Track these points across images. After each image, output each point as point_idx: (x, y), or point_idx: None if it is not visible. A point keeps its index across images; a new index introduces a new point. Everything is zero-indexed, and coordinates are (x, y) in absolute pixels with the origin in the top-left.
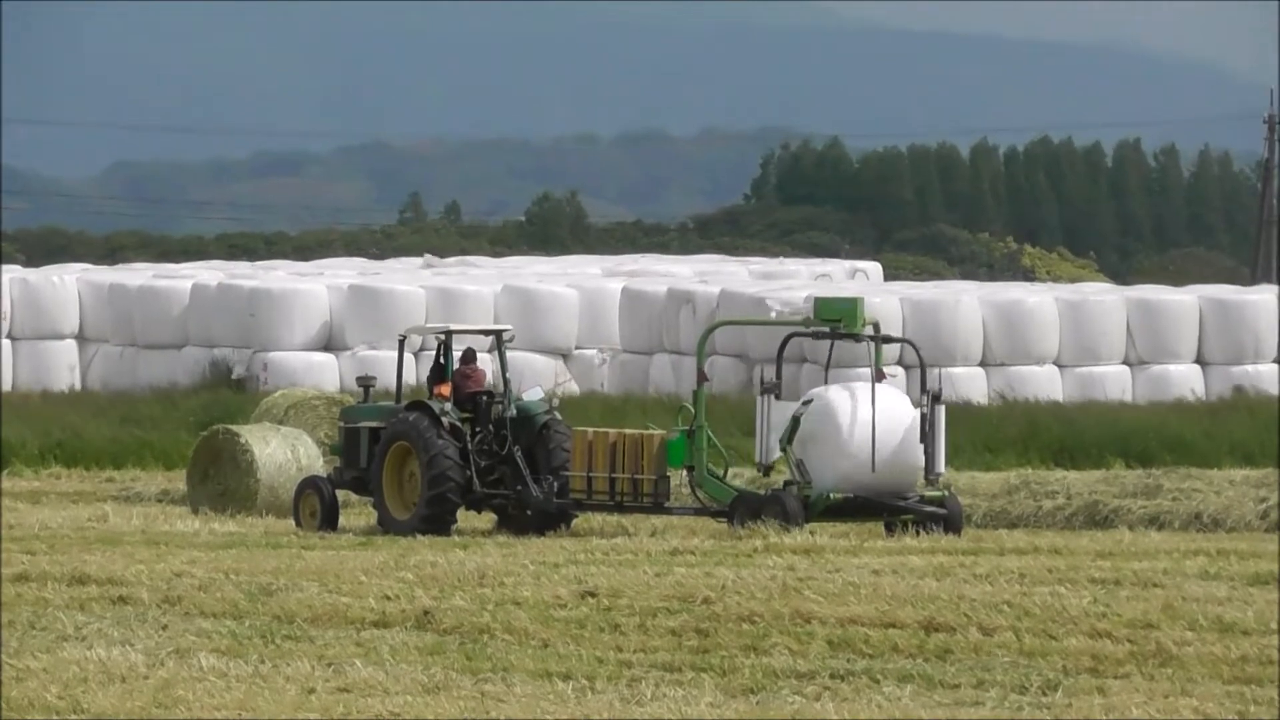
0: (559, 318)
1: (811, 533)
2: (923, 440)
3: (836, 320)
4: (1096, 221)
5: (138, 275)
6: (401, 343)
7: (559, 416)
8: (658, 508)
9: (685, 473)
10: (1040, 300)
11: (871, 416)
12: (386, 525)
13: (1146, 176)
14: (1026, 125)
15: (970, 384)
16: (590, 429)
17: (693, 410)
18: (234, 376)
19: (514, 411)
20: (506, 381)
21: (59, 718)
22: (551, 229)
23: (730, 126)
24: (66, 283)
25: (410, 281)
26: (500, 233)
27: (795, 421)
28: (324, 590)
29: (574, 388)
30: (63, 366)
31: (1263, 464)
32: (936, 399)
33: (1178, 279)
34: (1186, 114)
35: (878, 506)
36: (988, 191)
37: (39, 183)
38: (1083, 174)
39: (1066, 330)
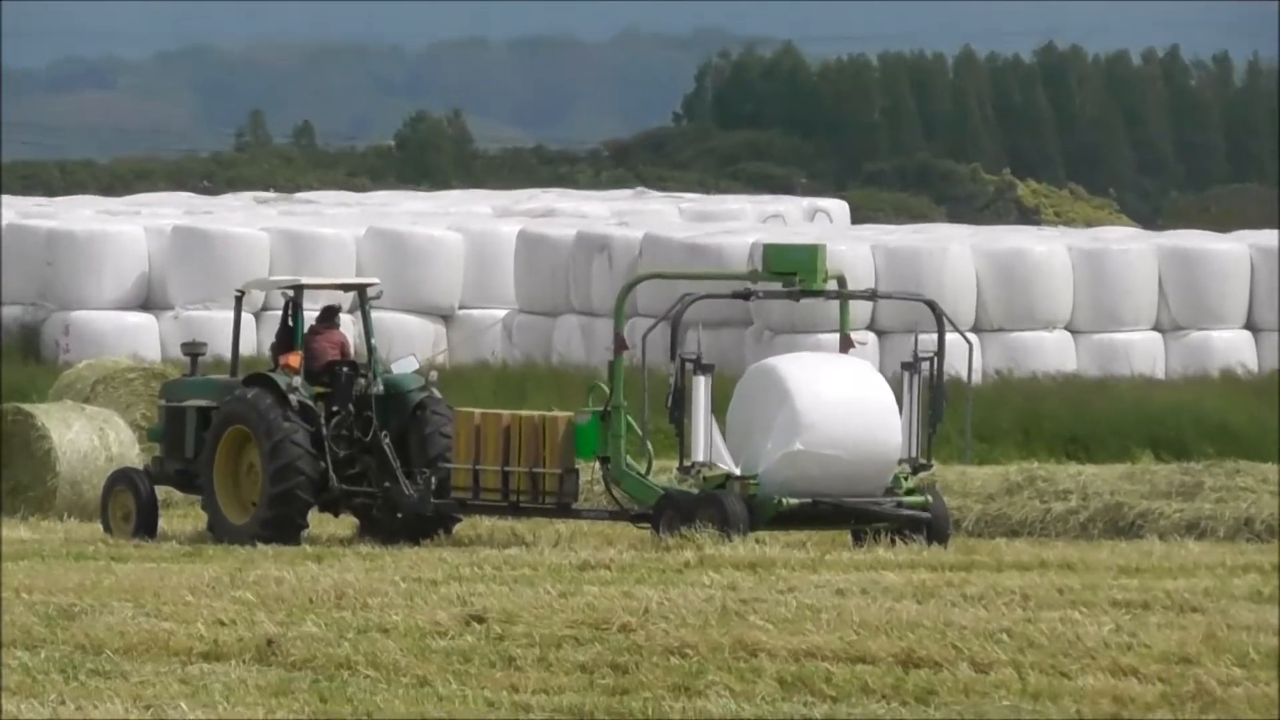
0: (439, 269)
1: (759, 542)
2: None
3: (790, 274)
4: (1113, 153)
5: None
6: (239, 300)
7: (438, 394)
8: (563, 510)
9: (598, 465)
10: (1049, 249)
11: (835, 396)
12: (219, 531)
13: (1180, 95)
14: (1026, 29)
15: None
16: (478, 410)
17: (607, 388)
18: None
19: (381, 387)
20: (372, 349)
21: None
22: (429, 156)
23: (656, 28)
24: None
25: (250, 223)
26: (363, 161)
27: (678, 392)
28: (140, 613)
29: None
30: None
31: None
32: (911, 368)
33: (1221, 223)
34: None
35: (843, 512)
36: (975, 113)
37: None
38: (1098, 93)
39: (1082, 287)
